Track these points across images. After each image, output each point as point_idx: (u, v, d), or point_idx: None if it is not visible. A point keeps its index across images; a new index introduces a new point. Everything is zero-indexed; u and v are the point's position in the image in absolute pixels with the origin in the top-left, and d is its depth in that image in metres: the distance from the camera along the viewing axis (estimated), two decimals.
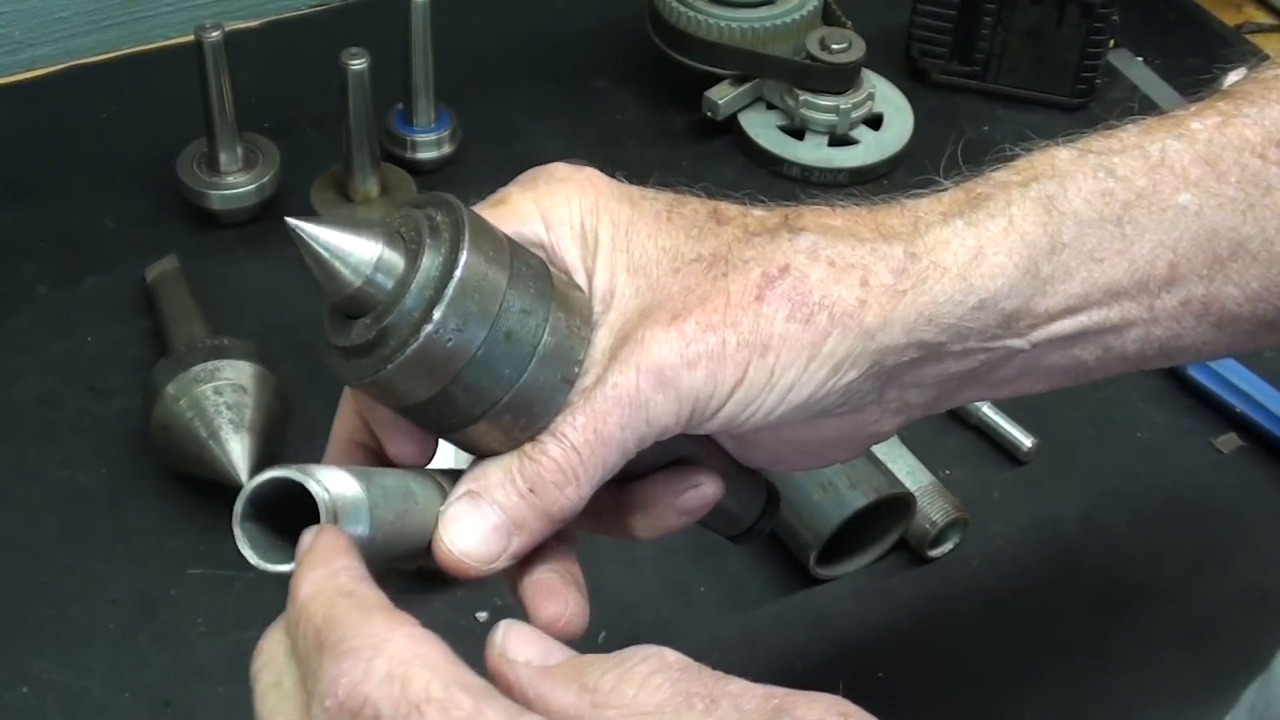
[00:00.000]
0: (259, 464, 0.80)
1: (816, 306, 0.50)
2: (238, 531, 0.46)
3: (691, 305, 0.50)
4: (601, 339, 0.51)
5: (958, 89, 1.16)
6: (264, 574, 0.45)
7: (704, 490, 0.55)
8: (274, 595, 0.79)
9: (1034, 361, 0.55)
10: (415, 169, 1.04)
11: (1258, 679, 0.60)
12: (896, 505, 0.81)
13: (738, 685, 0.42)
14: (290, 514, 0.45)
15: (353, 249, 0.46)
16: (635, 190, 0.53)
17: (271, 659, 0.44)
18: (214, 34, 0.94)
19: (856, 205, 0.54)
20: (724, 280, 0.50)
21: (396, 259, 0.47)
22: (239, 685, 0.75)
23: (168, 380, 0.82)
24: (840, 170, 1.07)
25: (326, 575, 0.43)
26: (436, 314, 0.46)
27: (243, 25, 1.17)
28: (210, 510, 0.83)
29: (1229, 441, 0.91)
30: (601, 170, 0.97)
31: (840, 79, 1.07)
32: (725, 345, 0.49)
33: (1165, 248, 0.55)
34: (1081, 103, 1.14)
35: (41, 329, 0.94)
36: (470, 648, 0.82)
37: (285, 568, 0.44)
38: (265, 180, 1.00)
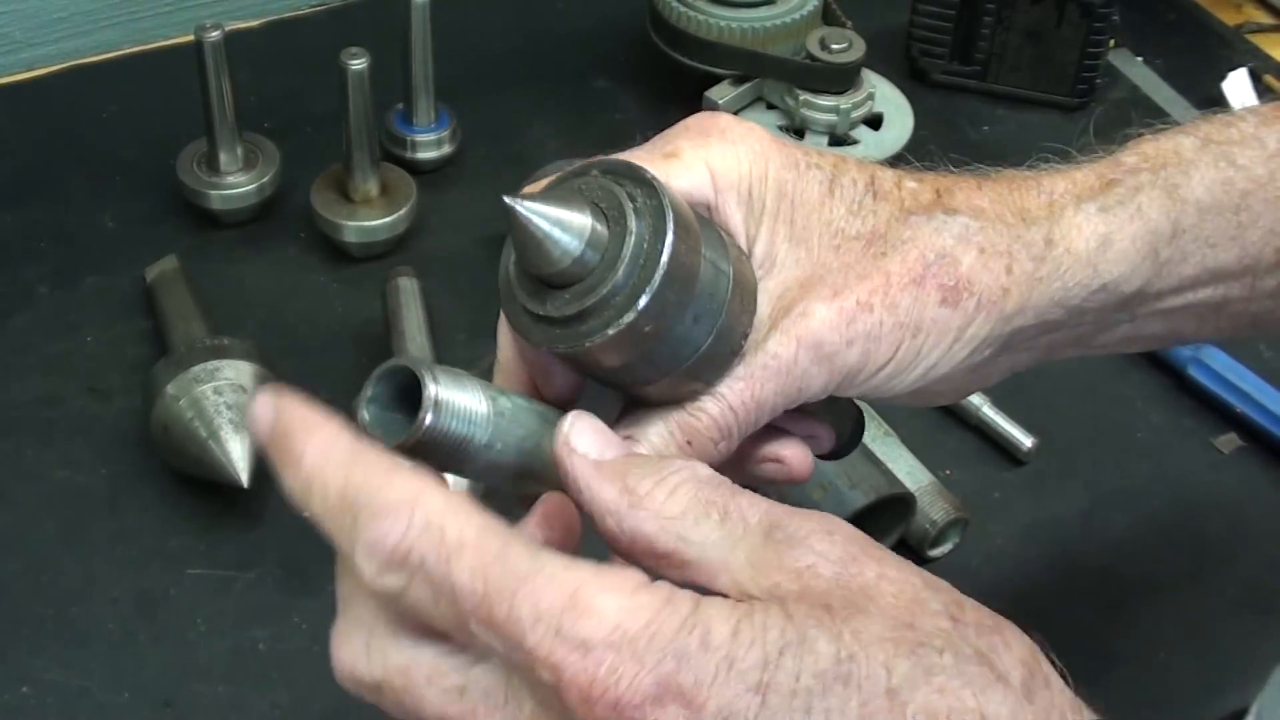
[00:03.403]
0: (259, 464, 0.80)
1: (966, 293, 0.53)
2: (363, 414, 0.48)
3: (852, 283, 0.52)
4: (760, 305, 0.52)
5: (958, 89, 1.16)
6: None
7: (787, 469, 0.57)
8: (274, 596, 0.80)
9: (1136, 331, 0.59)
10: (415, 169, 1.04)
11: None
12: (896, 505, 0.81)
13: (747, 499, 0.46)
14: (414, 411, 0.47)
15: (565, 230, 0.48)
16: (801, 156, 0.54)
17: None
18: (214, 34, 0.94)
19: (997, 180, 0.56)
20: (883, 260, 0.53)
21: (603, 239, 0.48)
22: (239, 685, 0.76)
23: (168, 380, 0.82)
24: None
25: (328, 439, 0.45)
26: (641, 302, 0.47)
27: (243, 25, 1.17)
28: (210, 510, 0.83)
29: (1229, 441, 0.91)
30: None
31: (840, 79, 1.07)
32: (882, 326, 0.52)
33: (1275, 234, 0.58)
34: (1081, 103, 1.14)
35: (41, 329, 0.94)
36: None
37: (396, 440, 0.47)
38: (265, 180, 1.00)
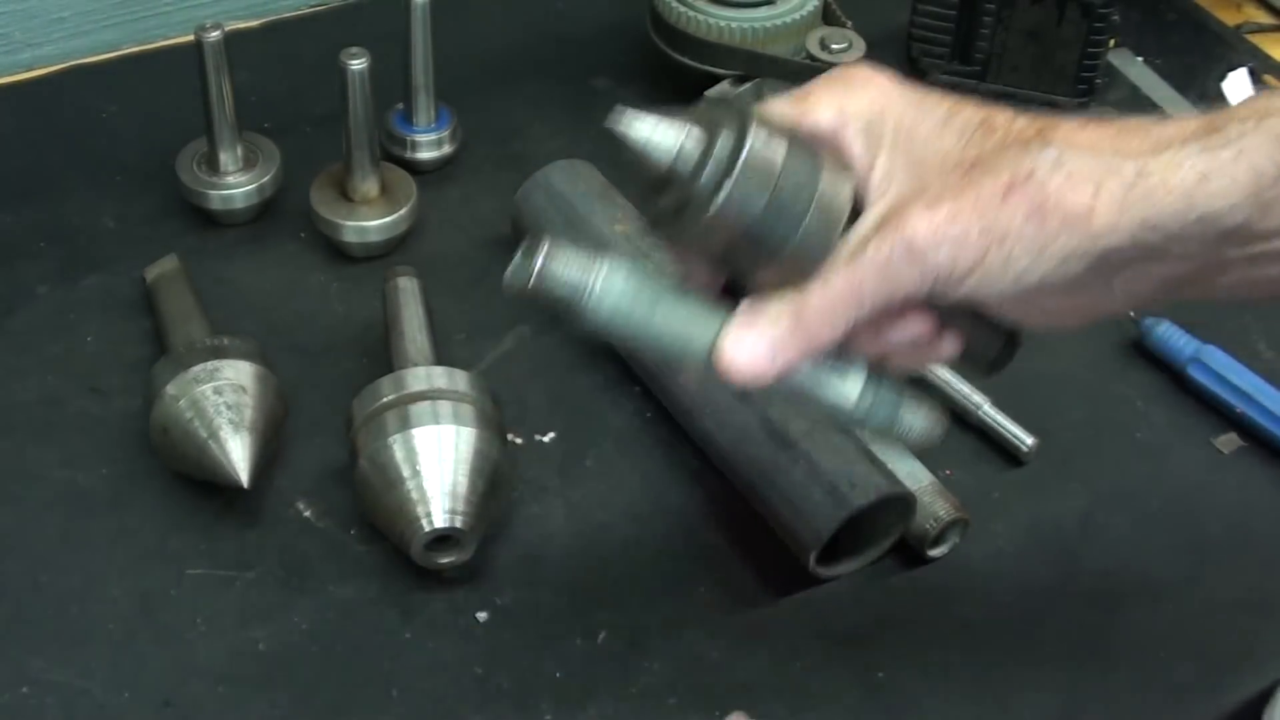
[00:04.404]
0: (259, 464, 0.80)
1: (1051, 210, 0.58)
2: (506, 274, 0.61)
3: (947, 197, 0.59)
4: (872, 218, 0.61)
5: (958, 89, 1.15)
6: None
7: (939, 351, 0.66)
8: (274, 596, 0.80)
9: (1251, 273, 0.61)
10: (415, 169, 1.04)
11: None
12: (896, 505, 0.81)
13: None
14: None
15: (662, 136, 0.60)
16: (923, 96, 0.63)
17: None
18: (214, 34, 0.94)
19: (1107, 124, 0.61)
20: (979, 179, 0.59)
21: (696, 145, 0.60)
22: (239, 685, 0.76)
23: (168, 380, 0.82)
24: None
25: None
26: (725, 188, 0.59)
27: (243, 25, 1.17)
28: (210, 510, 0.83)
29: (1229, 441, 0.91)
30: (602, 170, 0.99)
31: None
32: (968, 233, 0.59)
33: None
34: (1082, 103, 1.14)
35: (41, 329, 0.94)
36: (470, 648, 0.82)
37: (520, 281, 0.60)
38: (265, 180, 1.00)
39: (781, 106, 0.63)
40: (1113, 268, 0.60)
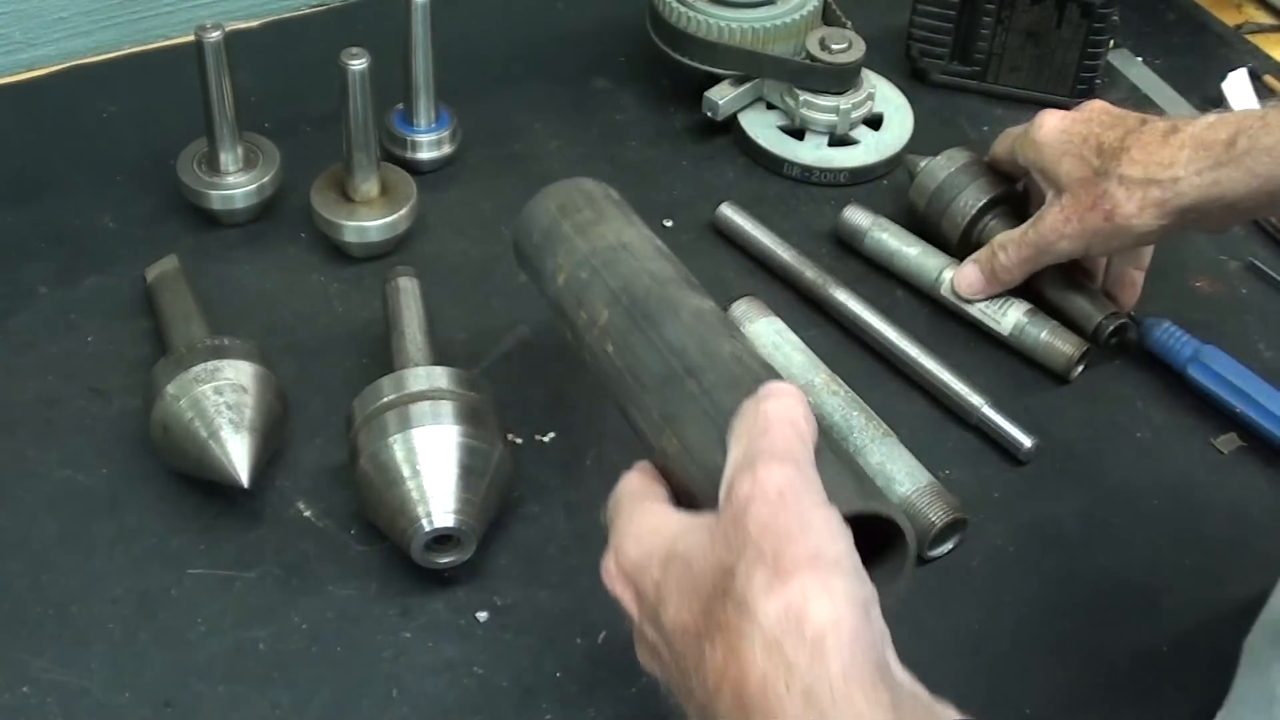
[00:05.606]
0: (259, 464, 0.80)
1: (1115, 214, 0.87)
2: None
3: (1067, 204, 0.91)
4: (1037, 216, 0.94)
5: (958, 89, 1.16)
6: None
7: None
8: (274, 596, 0.80)
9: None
10: (415, 169, 1.04)
11: None
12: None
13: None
14: None
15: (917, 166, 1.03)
16: (1068, 129, 0.93)
17: None
18: (214, 34, 0.94)
19: (1163, 133, 0.86)
20: (1077, 194, 0.90)
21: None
22: (239, 685, 0.76)
23: (168, 380, 0.82)
24: (840, 170, 1.07)
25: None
26: (918, 170, 1.02)
27: (243, 25, 1.17)
28: (210, 510, 0.83)
29: (1229, 441, 0.91)
30: (602, 170, 0.98)
31: (840, 79, 1.07)
32: (1073, 231, 0.90)
33: None
34: (1081, 103, 1.14)
35: (41, 329, 0.94)
36: (470, 648, 0.82)
37: None
38: (265, 180, 1.00)
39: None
40: (1173, 231, 0.87)
